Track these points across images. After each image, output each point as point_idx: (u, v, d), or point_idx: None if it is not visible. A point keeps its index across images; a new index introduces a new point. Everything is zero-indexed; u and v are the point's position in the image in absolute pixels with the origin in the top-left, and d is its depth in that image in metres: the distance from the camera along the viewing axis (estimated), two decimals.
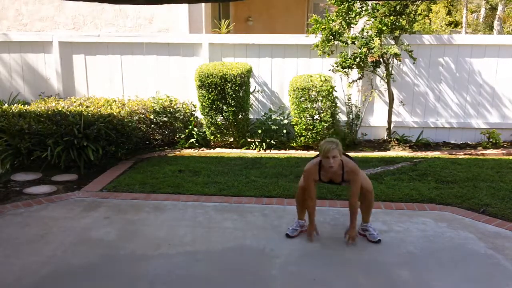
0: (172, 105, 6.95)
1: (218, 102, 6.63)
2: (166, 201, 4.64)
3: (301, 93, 6.49)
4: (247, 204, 4.58)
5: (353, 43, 6.62)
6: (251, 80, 7.13)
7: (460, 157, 6.45)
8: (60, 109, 6.07)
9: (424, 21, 21.36)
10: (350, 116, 7.09)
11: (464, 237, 3.82)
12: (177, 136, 7.11)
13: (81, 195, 4.84)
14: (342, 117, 7.21)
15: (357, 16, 6.53)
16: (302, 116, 6.58)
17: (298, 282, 3.15)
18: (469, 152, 6.69)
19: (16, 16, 9.47)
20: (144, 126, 6.72)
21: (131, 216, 4.26)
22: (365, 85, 7.17)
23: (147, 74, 7.59)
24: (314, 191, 3.69)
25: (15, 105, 6.37)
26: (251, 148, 6.91)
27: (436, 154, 6.61)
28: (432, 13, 23.20)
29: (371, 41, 6.44)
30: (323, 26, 6.56)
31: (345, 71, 6.69)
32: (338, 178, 3.64)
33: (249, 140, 7.04)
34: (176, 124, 6.96)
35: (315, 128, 6.58)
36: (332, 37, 6.62)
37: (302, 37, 7.19)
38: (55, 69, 7.66)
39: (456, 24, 24.36)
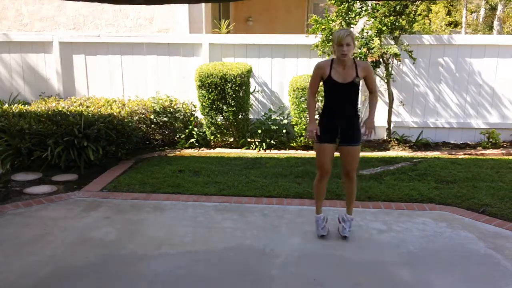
0: (172, 105, 6.96)
1: (218, 102, 6.64)
2: (166, 201, 4.64)
3: (301, 93, 6.50)
4: (247, 204, 4.58)
5: None
6: (251, 80, 7.14)
7: (460, 157, 6.45)
8: (60, 109, 6.07)
9: (424, 21, 21.36)
10: None
11: (464, 237, 3.83)
12: (177, 136, 7.12)
13: (81, 195, 4.85)
14: None
15: (357, 16, 6.54)
16: (302, 116, 6.59)
17: (298, 282, 3.15)
18: (469, 152, 6.69)
19: (17, 16, 9.48)
20: (144, 126, 6.72)
21: (131, 216, 4.26)
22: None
23: (147, 74, 7.60)
24: (316, 86, 3.67)
25: (16, 105, 6.38)
26: (251, 148, 6.92)
27: (436, 154, 6.62)
28: (432, 13, 23.20)
29: (371, 41, 6.45)
30: (323, 26, 6.57)
31: None
32: (352, 73, 3.56)
33: (249, 140, 7.05)
34: (176, 124, 6.96)
35: None
36: None
37: (302, 37, 7.20)
38: (56, 69, 7.67)
39: (456, 24, 24.36)
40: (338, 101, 3.65)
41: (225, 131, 6.90)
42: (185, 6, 8.99)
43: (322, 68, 3.59)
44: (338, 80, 3.56)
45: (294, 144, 6.86)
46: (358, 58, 6.45)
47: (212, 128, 6.88)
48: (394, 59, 6.65)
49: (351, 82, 3.56)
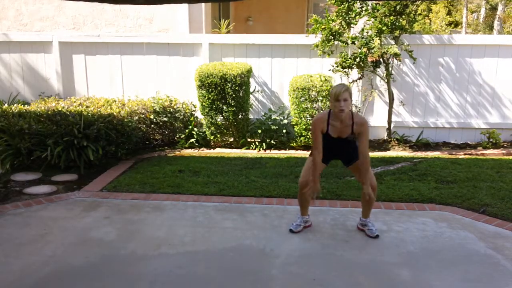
0: (172, 105, 6.95)
1: (218, 102, 6.63)
2: (166, 201, 4.64)
3: (301, 93, 6.50)
4: (247, 204, 4.58)
5: (353, 43, 6.63)
6: (251, 80, 7.14)
7: (460, 157, 6.45)
8: (60, 109, 6.07)
9: (424, 21, 21.35)
10: None
11: (464, 237, 3.82)
12: (177, 136, 7.11)
13: (81, 195, 4.85)
14: None
15: (357, 16, 6.54)
16: (302, 116, 6.59)
17: (298, 282, 3.15)
18: (469, 152, 6.69)
19: (16, 16, 9.48)
20: (144, 126, 6.72)
21: (131, 216, 4.26)
22: (365, 85, 7.17)
23: (147, 74, 7.60)
24: (321, 144, 3.63)
25: (15, 105, 6.37)
26: (251, 148, 6.92)
27: (436, 154, 6.61)
28: (432, 13, 23.20)
29: (371, 41, 6.45)
30: (323, 26, 6.56)
31: (345, 71, 6.70)
32: (348, 130, 3.57)
33: (249, 140, 7.05)
34: (176, 124, 6.96)
35: None
36: (332, 37, 6.62)
37: (302, 37, 7.20)
38: (55, 69, 7.67)
39: (456, 24, 24.36)
40: (334, 148, 3.73)
41: (225, 131, 6.89)
42: (185, 6, 8.99)
43: (321, 123, 3.60)
44: (334, 136, 3.63)
45: (294, 144, 6.86)
46: (358, 59, 6.46)
47: (212, 128, 6.88)
48: (394, 59, 6.65)
49: (345, 138, 3.63)
